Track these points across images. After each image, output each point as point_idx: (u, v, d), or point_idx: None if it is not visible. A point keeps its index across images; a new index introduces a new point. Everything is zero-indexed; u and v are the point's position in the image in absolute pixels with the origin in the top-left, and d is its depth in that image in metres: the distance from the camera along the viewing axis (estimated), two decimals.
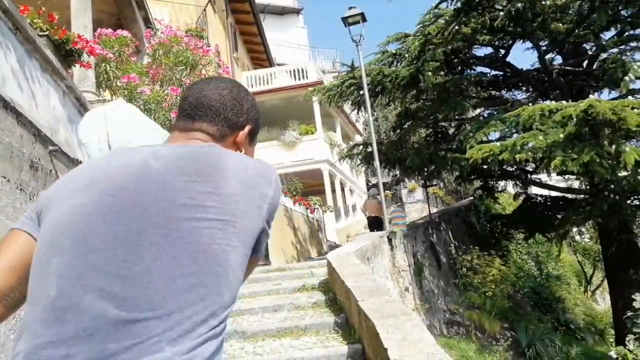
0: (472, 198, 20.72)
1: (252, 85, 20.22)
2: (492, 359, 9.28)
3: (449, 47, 10.78)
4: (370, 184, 32.78)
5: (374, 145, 10.15)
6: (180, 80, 7.25)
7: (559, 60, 13.39)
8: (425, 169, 12.39)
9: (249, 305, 6.47)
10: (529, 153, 8.47)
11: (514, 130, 9.69)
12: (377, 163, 10.10)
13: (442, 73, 11.40)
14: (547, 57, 12.67)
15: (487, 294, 10.78)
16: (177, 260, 0.94)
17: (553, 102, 8.64)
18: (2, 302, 1.02)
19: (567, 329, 16.76)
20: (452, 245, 17.32)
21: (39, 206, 1.07)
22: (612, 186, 10.70)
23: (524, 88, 14.97)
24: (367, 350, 4.16)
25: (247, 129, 1.23)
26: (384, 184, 38.45)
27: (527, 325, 12.83)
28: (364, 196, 27.12)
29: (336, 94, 11.75)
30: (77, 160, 4.63)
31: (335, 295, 6.18)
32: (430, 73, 10.41)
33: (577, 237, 24.40)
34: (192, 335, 0.93)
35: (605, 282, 25.80)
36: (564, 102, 8.66)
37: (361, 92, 11.51)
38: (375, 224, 12.53)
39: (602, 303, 24.86)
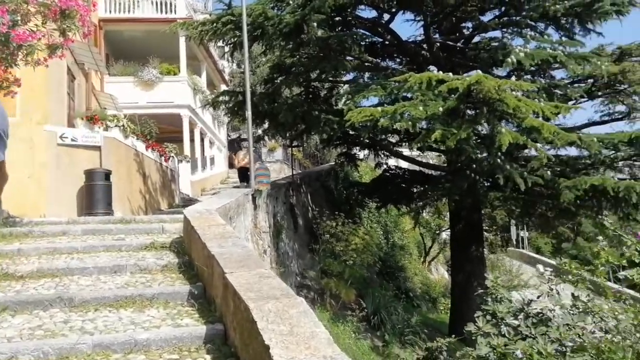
0: (332, 163, 20.65)
1: (110, 11, 17.86)
2: (345, 328, 9.02)
3: (337, 1, 10.06)
4: (229, 138, 31.61)
5: (247, 93, 9.16)
6: None
7: (436, 36, 13.35)
8: (296, 127, 11.71)
9: (82, 263, 5.29)
10: (409, 122, 8.12)
11: (393, 98, 9.31)
12: (249, 113, 9.15)
13: (325, 28, 10.67)
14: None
15: (347, 262, 10.53)
16: None
17: (440, 72, 8.37)
18: None
19: (407, 297, 17.52)
20: (309, 208, 17.07)
21: None
22: (474, 166, 10.94)
23: (398, 59, 14.86)
24: (230, 333, 3.36)
25: None
26: (244, 140, 37.26)
27: (373, 293, 12.99)
28: (223, 150, 25.94)
29: (210, 31, 10.47)
30: None
31: (191, 259, 5.25)
32: (315, 24, 9.62)
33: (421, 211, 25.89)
34: None
35: (441, 255, 27.81)
36: (450, 74, 8.43)
37: (238, 33, 10.40)
38: (245, 175, 12.21)
39: (435, 273, 26.74)
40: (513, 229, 38.15)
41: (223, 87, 23.76)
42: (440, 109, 8.43)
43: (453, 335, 11.30)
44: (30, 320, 3.83)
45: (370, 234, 13.08)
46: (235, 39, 10.86)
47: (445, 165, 14.91)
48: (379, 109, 8.37)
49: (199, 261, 4.73)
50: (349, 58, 11.25)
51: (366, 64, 11.95)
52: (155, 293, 4.33)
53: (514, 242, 39.63)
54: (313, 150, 31.65)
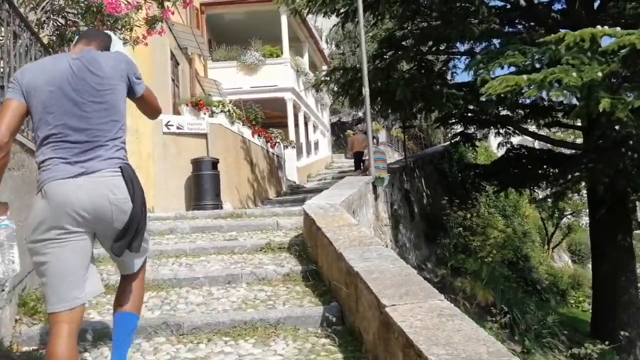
0: (446, 144, 19.10)
1: None
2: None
3: None
4: (331, 122, 30.75)
5: (364, 66, 8.06)
6: None
7: None
8: (414, 105, 10.47)
9: (190, 271, 4.51)
10: (564, 92, 6.64)
11: (536, 65, 7.80)
12: (366, 90, 8.05)
13: None
14: None
15: (484, 259, 9.18)
16: (101, 109, 2.26)
17: (605, 27, 6.78)
18: (15, 134, 2.23)
19: (534, 290, 15.74)
20: (424, 194, 15.79)
21: (24, 86, 2.22)
22: (631, 142, 9.15)
23: (520, 25, 13.05)
24: None
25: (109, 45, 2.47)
26: (344, 123, 36.45)
27: (503, 289, 11.50)
28: (327, 133, 25.15)
29: (318, 0, 9.47)
30: None
31: (318, 267, 4.29)
32: None
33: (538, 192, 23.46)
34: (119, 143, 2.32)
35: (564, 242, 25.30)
36: (618, 28, 6.80)
37: (349, 1, 9.30)
38: (360, 160, 11.61)
39: (559, 261, 24.34)
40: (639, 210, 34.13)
41: (324, 68, 22.87)
42: (599, 74, 6.84)
43: (606, 342, 9.71)
44: (131, 356, 3.02)
45: (515, 229, 11.48)
46: (348, 8, 9.77)
47: (582, 143, 12.93)
48: (524, 77, 6.93)
49: (332, 274, 3.74)
50: (479, 21, 9.78)
51: (495, 29, 10.39)
52: (281, 317, 3.39)
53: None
54: (416, 131, 29.97)
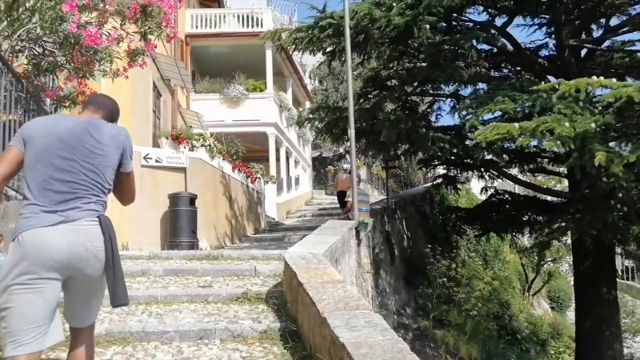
0: (427, 185, 18.96)
1: (196, 27, 17.30)
2: None
3: (452, 1, 8.59)
4: (312, 157, 30.55)
5: (351, 107, 7.83)
6: None
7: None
8: (398, 146, 10.29)
9: (160, 324, 4.11)
10: (557, 142, 6.48)
11: (526, 112, 7.66)
12: (352, 132, 7.81)
13: (435, 32, 9.20)
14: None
15: (470, 312, 8.86)
16: (88, 169, 2.40)
17: (601, 77, 6.67)
18: (7, 180, 2.45)
19: (513, 339, 15.40)
20: (404, 236, 15.51)
21: (25, 136, 2.39)
22: (620, 195, 9.03)
23: (506, 70, 13.09)
24: None
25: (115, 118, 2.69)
26: (325, 158, 36.29)
27: (484, 339, 11.16)
28: (308, 169, 24.90)
29: (305, 38, 9.28)
30: None
31: (297, 327, 3.93)
32: (427, 26, 8.19)
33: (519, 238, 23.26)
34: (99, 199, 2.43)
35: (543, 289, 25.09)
36: (614, 79, 6.70)
37: (336, 40, 9.14)
38: (343, 200, 11.27)
39: (538, 308, 24.09)
40: (618, 259, 34.39)
41: (307, 104, 22.77)
42: (593, 124, 6.71)
43: None
44: None
45: (498, 277, 11.24)
46: (335, 47, 9.62)
47: (568, 192, 12.81)
48: (516, 125, 6.76)
49: (314, 339, 3.38)
50: (467, 65, 9.68)
51: (483, 72, 10.33)
52: None
53: (619, 273, 35.74)
54: (397, 170, 29.92)
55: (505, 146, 11.23)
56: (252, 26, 17.54)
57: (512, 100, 7.80)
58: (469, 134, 7.50)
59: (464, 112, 7.99)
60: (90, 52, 4.99)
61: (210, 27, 17.39)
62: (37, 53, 5.42)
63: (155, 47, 5.45)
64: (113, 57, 5.18)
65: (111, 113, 2.68)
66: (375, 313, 3.29)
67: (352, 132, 7.83)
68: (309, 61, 26.69)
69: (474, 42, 9.17)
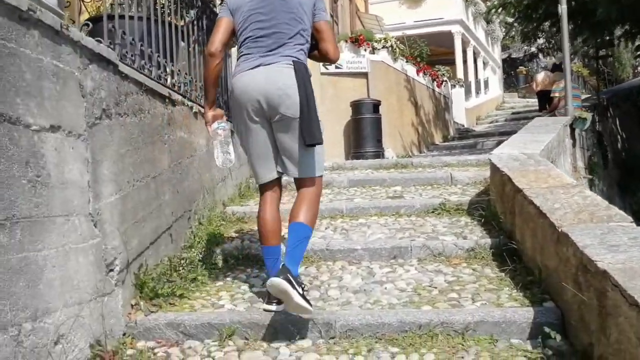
0: None
1: None
2: None
3: None
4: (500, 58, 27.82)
5: None
6: None
7: None
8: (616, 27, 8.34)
9: (346, 241, 3.61)
10: None
11: None
12: (563, 7, 6.32)
13: None
14: None
15: None
16: (289, 19, 2.59)
17: None
18: (225, 45, 2.69)
19: None
20: (618, 137, 13.33)
21: (231, 7, 2.63)
22: None
23: None
24: None
25: None
26: (514, 59, 33.17)
27: None
28: (498, 71, 22.73)
29: None
30: None
31: (515, 242, 3.11)
32: None
33: None
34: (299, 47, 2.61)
35: None
36: None
37: None
38: (544, 100, 10.36)
39: None
40: None
41: None
42: None
43: None
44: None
45: None
46: None
47: None
48: None
49: (544, 259, 2.57)
50: None
51: None
52: (470, 321, 2.35)
53: None
54: (600, 66, 25.90)
55: None
56: None
57: None
58: None
59: None
60: None
61: None
62: None
63: None
64: None
65: None
66: (631, 221, 2.35)
67: (563, 8, 6.32)
68: None
69: None
